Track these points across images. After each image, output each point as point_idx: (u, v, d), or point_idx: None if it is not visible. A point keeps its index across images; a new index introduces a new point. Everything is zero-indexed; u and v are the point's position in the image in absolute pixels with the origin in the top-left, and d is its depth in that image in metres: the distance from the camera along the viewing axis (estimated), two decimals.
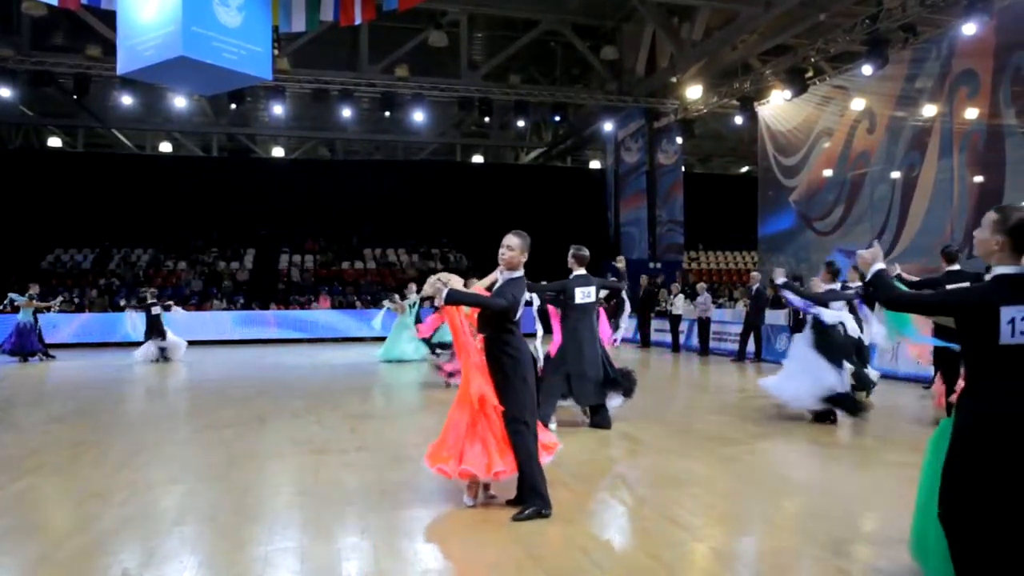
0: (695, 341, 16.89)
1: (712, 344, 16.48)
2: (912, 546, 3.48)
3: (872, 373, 10.13)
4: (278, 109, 20.85)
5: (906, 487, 5.47)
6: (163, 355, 15.78)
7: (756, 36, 18.93)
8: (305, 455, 6.55)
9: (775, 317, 14.71)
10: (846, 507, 4.94)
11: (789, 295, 8.24)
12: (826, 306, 8.03)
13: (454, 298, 4.65)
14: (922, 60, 16.66)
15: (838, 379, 7.66)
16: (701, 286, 17.61)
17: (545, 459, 4.85)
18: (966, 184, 15.83)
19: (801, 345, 8.09)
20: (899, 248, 17.30)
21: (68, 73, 19.31)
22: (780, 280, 8.30)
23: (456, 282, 4.71)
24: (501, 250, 4.90)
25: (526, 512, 4.55)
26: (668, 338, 17.86)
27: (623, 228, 26.83)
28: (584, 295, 7.28)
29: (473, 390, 4.65)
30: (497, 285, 4.90)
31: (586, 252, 7.59)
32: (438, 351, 12.75)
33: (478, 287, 5.39)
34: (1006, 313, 2.80)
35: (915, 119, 17.22)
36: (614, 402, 7.68)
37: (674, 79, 22.02)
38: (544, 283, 7.84)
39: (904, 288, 3.22)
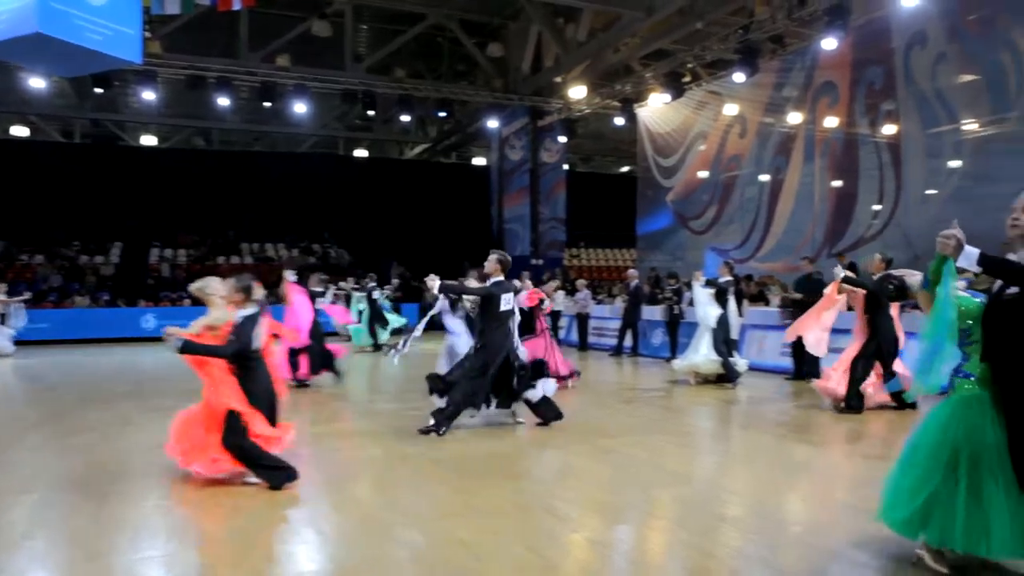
0: (575, 336, 17.25)
1: (591, 339, 16.88)
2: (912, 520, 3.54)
3: (740, 363, 10.66)
4: (149, 95, 19.72)
5: (773, 473, 5.79)
6: None
7: (637, 40, 19.49)
8: (171, 460, 6.22)
9: (651, 313, 15.22)
10: (716, 495, 5.16)
11: None
12: None
13: (445, 288, 6.81)
14: (789, 70, 17.64)
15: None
16: (581, 282, 17.99)
17: (275, 450, 5.33)
18: (826, 188, 16.89)
19: None
20: (766, 247, 18.27)
21: None
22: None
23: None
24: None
25: None
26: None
27: (506, 224, 27.07)
28: (506, 302, 7.21)
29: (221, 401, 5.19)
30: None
31: (510, 260, 7.57)
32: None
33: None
34: None
35: (782, 125, 18.20)
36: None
37: (558, 79, 22.37)
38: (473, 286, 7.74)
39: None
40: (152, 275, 24.13)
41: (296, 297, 10.62)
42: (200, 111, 25.28)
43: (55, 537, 4.30)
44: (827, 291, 8.74)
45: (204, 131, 30.10)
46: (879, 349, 8.11)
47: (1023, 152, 12.86)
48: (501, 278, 7.22)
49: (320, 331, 10.82)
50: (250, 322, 5.27)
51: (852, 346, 8.37)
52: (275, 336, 6.35)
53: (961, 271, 3.37)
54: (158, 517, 4.65)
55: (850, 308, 8.84)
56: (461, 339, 8.16)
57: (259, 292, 5.71)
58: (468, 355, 7.34)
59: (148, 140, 29.57)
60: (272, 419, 5.43)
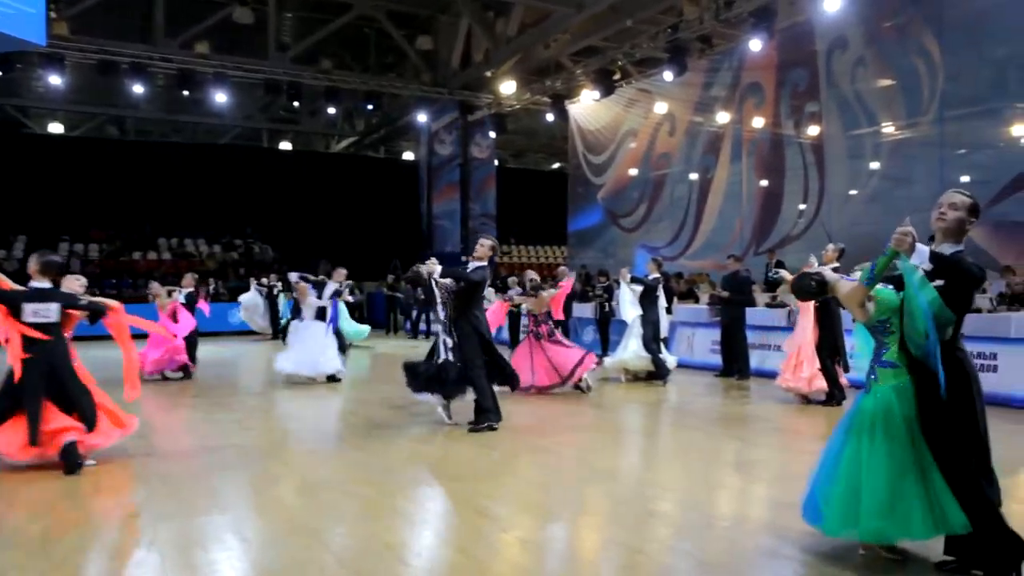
0: (506, 335, 17.27)
1: (522, 337, 16.89)
2: (836, 518, 3.65)
3: (669, 360, 10.87)
4: (55, 80, 18.87)
5: (702, 468, 5.92)
6: None
7: (568, 36, 19.63)
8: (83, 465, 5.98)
9: (582, 310, 15.37)
10: (646, 491, 5.24)
11: None
12: None
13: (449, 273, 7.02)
14: (717, 70, 18.07)
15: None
16: (512, 280, 18.02)
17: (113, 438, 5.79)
18: (753, 187, 17.37)
19: None
20: (695, 245, 18.68)
21: None
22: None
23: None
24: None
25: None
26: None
27: (436, 221, 26.95)
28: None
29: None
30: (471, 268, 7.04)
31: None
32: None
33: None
34: None
35: (710, 124, 18.64)
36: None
37: (488, 73, 22.36)
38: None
39: None
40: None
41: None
42: (113, 98, 24.33)
43: None
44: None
45: (118, 120, 28.98)
46: (835, 341, 8.40)
47: (935, 156, 13.50)
48: (486, 263, 7.39)
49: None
50: (36, 294, 5.61)
51: (797, 340, 8.66)
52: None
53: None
54: (67, 527, 4.45)
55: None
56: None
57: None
58: (459, 346, 7.19)
59: (55, 128, 28.30)
60: (65, 405, 5.57)
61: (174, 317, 11.16)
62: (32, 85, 24.85)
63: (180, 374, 11.28)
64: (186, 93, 20.19)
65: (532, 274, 12.96)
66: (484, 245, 7.47)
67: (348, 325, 16.91)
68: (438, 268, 7.27)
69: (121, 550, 4.17)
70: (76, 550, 4.08)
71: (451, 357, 7.21)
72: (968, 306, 3.53)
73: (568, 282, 10.01)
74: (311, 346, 10.61)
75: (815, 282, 4.15)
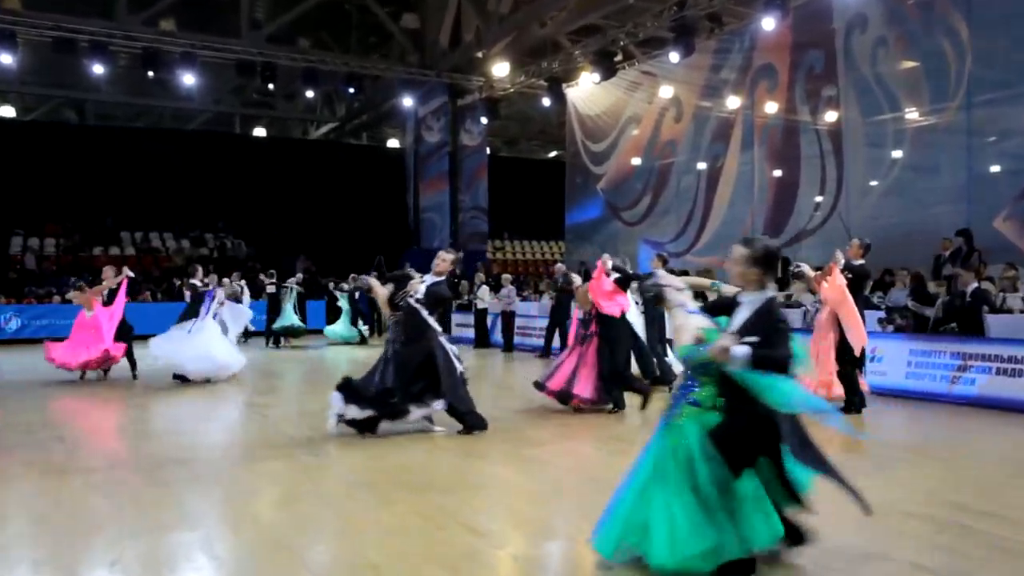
0: (499, 336, 17.31)
1: (516, 339, 16.97)
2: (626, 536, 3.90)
3: (676, 364, 10.87)
4: (6, 59, 18.77)
5: None
6: None
7: (565, 13, 19.66)
8: (41, 477, 5.98)
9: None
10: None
11: None
12: None
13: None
14: (726, 51, 18.11)
15: None
16: (506, 277, 18.06)
17: None
18: (765, 177, 17.41)
19: None
20: (703, 240, 18.72)
21: None
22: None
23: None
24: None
25: None
26: (470, 333, 18.14)
27: (423, 214, 26.93)
28: None
29: None
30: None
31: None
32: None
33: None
34: None
35: (719, 110, 18.69)
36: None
37: (480, 54, 22.38)
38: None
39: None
40: (15, 267, 23.04)
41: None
42: (71, 80, 24.30)
43: None
44: (834, 282, 8.40)
45: (76, 103, 28.90)
46: (848, 344, 8.39)
47: (962, 143, 13.54)
48: (444, 278, 7.52)
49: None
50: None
51: (814, 343, 8.61)
52: None
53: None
54: (24, 544, 4.45)
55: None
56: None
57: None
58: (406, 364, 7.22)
59: (6, 111, 28.19)
60: None
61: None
62: None
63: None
64: (151, 74, 20.14)
65: (561, 267, 12.82)
66: (445, 260, 7.55)
67: (342, 328, 18.83)
68: (423, 288, 7.37)
69: (78, 571, 4.16)
70: (32, 570, 4.08)
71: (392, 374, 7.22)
72: (784, 350, 3.70)
73: (601, 267, 9.70)
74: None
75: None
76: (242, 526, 4.78)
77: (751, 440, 3.74)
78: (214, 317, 11.94)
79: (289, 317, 18.31)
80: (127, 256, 24.83)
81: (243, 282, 18.15)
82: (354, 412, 7.10)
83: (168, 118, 30.42)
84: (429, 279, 7.48)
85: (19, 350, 17.18)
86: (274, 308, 18.40)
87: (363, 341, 18.85)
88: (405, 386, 7.13)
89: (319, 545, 4.45)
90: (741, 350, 3.58)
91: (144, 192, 25.98)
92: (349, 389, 7.15)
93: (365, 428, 7.22)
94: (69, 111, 29.70)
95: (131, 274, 11.97)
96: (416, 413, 7.23)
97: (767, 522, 3.74)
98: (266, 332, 18.41)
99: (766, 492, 3.77)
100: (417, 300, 7.29)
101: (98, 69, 19.47)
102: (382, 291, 7.36)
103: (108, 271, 11.99)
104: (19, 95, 27.71)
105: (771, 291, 3.88)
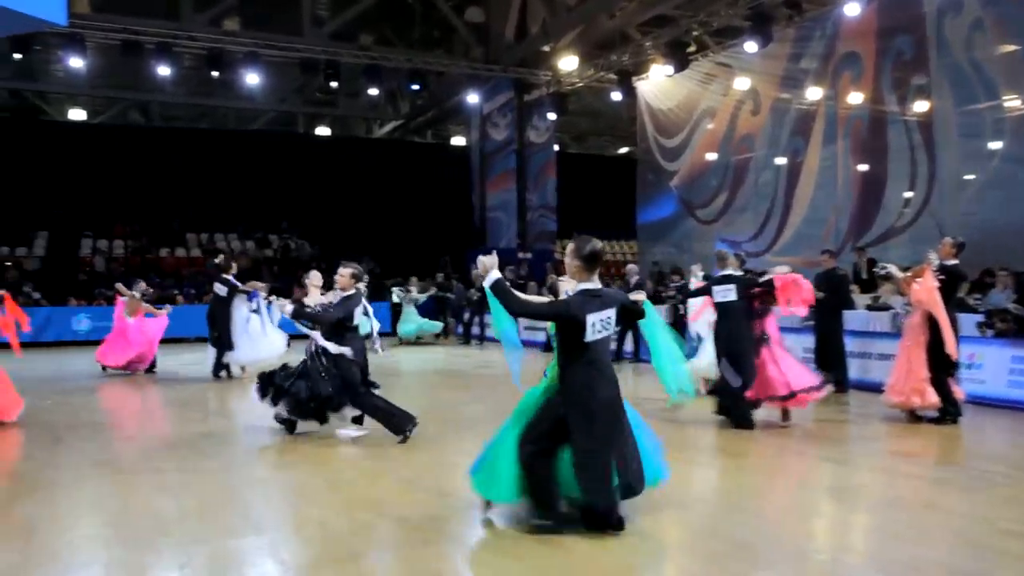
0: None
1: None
2: (481, 479, 4.97)
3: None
4: (76, 63, 19.52)
5: (792, 494, 5.81)
6: None
7: (635, 4, 19.52)
8: (112, 478, 6.19)
9: None
10: (726, 517, 5.17)
11: None
12: None
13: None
14: (807, 39, 17.72)
15: None
16: (560, 279, 17.97)
17: None
18: (850, 172, 16.99)
19: None
20: (783, 239, 18.35)
21: None
22: None
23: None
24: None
25: None
26: (538, 337, 18.13)
27: (489, 213, 27.04)
28: (356, 317, 7.81)
29: None
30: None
31: (364, 272, 8.16)
32: None
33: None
34: (590, 319, 4.61)
35: (799, 102, 18.30)
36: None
37: (547, 47, 22.37)
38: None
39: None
40: (84, 270, 23.89)
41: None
42: (137, 82, 25.07)
43: None
44: (926, 283, 8.13)
45: (142, 105, 29.86)
46: (940, 349, 8.11)
47: None
48: (354, 292, 7.65)
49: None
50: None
51: (908, 350, 8.32)
52: None
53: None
54: (95, 547, 4.61)
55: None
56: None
57: None
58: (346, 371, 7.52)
59: (77, 114, 29.28)
60: None
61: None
62: (52, 69, 25.75)
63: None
64: (215, 74, 20.69)
65: (634, 268, 12.63)
66: (343, 275, 7.64)
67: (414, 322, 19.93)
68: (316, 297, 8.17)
69: (147, 573, 4.29)
70: (104, 572, 4.22)
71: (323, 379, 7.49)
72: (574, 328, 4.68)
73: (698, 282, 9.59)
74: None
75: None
76: (307, 531, 4.86)
77: (546, 413, 4.77)
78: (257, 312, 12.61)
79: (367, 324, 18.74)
80: (193, 257, 25.56)
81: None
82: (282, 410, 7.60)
83: (232, 118, 31.19)
84: (336, 296, 7.69)
85: (90, 351, 17.80)
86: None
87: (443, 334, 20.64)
88: (320, 394, 7.44)
89: (386, 551, 4.50)
90: (495, 274, 4.67)
91: (209, 193, 26.70)
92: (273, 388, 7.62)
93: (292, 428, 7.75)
94: (135, 113, 30.70)
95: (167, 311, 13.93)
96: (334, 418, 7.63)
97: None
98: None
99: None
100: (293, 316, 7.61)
101: (163, 71, 20.08)
102: (288, 308, 7.56)
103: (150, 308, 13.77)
104: (88, 98, 28.73)
105: (589, 284, 4.77)
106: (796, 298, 8.21)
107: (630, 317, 5.28)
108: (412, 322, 20.03)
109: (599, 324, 4.69)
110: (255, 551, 4.53)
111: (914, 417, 8.42)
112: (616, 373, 4.85)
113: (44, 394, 9.76)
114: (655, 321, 5.46)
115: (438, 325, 20.41)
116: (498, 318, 4.89)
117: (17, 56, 19.44)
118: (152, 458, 6.93)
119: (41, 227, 25.19)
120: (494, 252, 4.81)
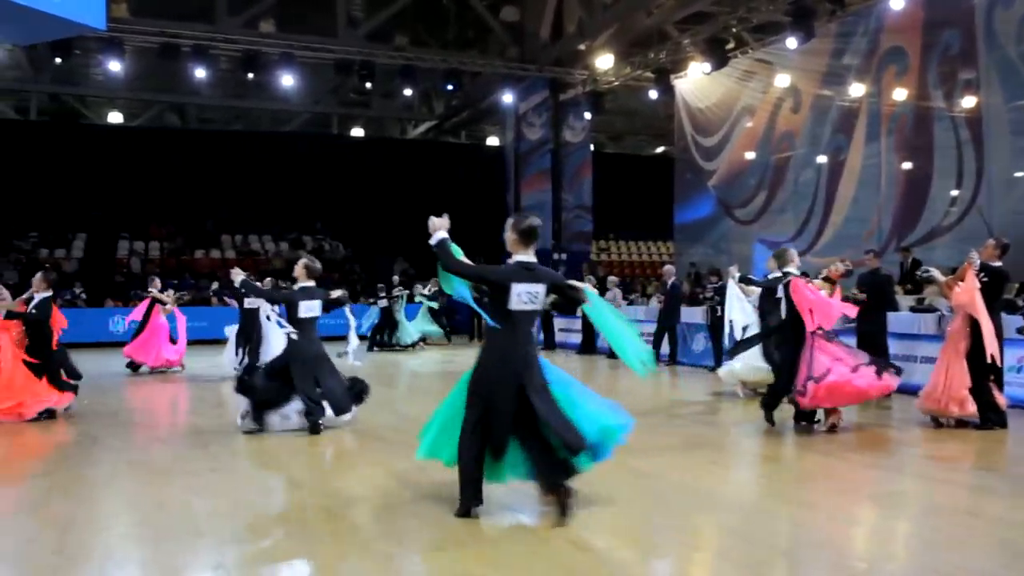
0: (603, 340, 17.20)
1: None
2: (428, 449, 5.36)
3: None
4: (115, 66, 19.91)
5: (836, 500, 5.77)
6: None
7: (673, 1, 19.44)
8: (146, 479, 6.30)
9: (691, 315, 15.17)
10: (767, 524, 5.14)
11: None
12: None
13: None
14: (849, 35, 17.53)
15: None
16: (611, 280, 17.96)
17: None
18: (894, 170, 16.77)
19: None
20: (824, 239, 18.16)
21: None
22: None
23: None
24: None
25: None
26: (574, 339, 18.11)
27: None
28: (307, 309, 8.02)
29: None
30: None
31: (319, 266, 8.41)
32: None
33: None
34: (515, 288, 4.89)
35: (841, 98, 18.11)
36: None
37: (582, 46, 22.35)
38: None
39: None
40: (121, 271, 24.31)
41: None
42: (174, 84, 25.47)
43: (7, 571, 4.36)
44: (968, 284, 7.92)
45: (178, 107, 30.32)
46: (982, 353, 7.92)
47: None
48: (309, 284, 8.06)
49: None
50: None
51: (948, 356, 8.16)
52: None
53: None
54: (129, 546, 4.71)
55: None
56: None
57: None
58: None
59: (114, 117, 29.81)
60: None
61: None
62: (91, 72, 26.25)
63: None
64: (250, 76, 20.97)
65: (671, 269, 12.59)
66: (298, 265, 8.22)
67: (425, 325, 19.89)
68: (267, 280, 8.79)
69: (181, 573, 4.36)
70: (140, 571, 4.30)
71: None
72: (499, 292, 4.97)
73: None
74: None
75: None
76: (341, 531, 4.91)
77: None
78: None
79: (407, 328, 19.16)
80: (227, 259, 25.90)
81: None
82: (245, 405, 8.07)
83: (266, 120, 31.55)
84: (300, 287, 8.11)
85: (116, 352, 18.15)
86: (389, 322, 18.93)
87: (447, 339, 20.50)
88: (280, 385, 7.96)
89: (416, 555, 4.53)
90: (441, 234, 5.19)
91: (243, 195, 27.05)
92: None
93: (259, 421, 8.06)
94: (172, 115, 31.19)
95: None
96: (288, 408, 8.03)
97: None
98: (370, 339, 18.84)
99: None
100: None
101: (199, 73, 20.42)
102: (239, 278, 8.19)
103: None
104: (126, 101, 29.23)
105: (524, 257, 5.06)
106: (821, 315, 7.97)
107: (569, 301, 5.44)
108: (425, 323, 19.98)
109: (525, 295, 4.93)
110: (288, 551, 4.59)
111: (937, 423, 8.23)
112: (534, 355, 5.05)
113: (81, 394, 9.95)
114: (599, 306, 5.45)
115: (437, 331, 20.25)
116: (446, 278, 5.22)
117: (57, 60, 19.86)
118: (186, 458, 7.04)
119: (79, 229, 25.71)
120: (446, 215, 5.22)
